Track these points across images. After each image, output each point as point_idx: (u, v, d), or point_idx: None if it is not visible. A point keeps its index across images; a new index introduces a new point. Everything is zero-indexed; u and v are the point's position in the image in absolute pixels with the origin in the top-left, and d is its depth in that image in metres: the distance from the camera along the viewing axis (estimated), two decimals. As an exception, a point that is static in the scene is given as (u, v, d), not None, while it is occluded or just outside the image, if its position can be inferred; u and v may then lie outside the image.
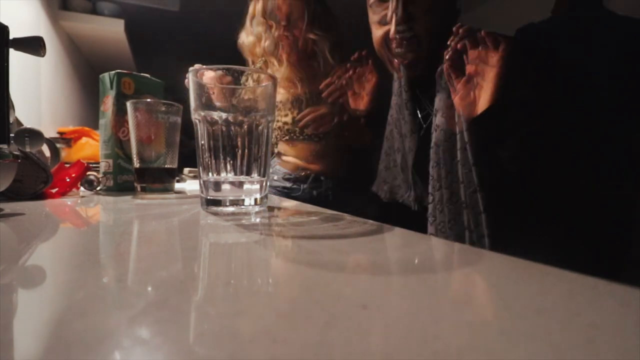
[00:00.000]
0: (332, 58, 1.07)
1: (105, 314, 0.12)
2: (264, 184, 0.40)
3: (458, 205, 0.61)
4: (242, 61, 1.28)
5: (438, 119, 0.63)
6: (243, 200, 0.38)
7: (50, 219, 0.36)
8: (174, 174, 0.60)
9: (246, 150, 0.38)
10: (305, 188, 1.09)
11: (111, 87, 0.63)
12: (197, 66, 0.45)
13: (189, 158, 0.80)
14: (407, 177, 0.73)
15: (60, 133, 1.16)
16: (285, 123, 1.09)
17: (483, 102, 0.54)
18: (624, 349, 0.10)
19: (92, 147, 1.12)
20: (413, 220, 0.74)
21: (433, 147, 0.64)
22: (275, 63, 1.09)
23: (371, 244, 0.24)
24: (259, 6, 1.07)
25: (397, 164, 0.76)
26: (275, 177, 1.10)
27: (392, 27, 0.64)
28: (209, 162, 0.38)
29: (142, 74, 0.67)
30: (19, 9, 1.21)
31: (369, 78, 0.85)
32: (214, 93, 0.37)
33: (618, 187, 0.60)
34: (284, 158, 1.11)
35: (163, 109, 0.56)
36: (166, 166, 0.57)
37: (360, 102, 0.88)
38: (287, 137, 1.09)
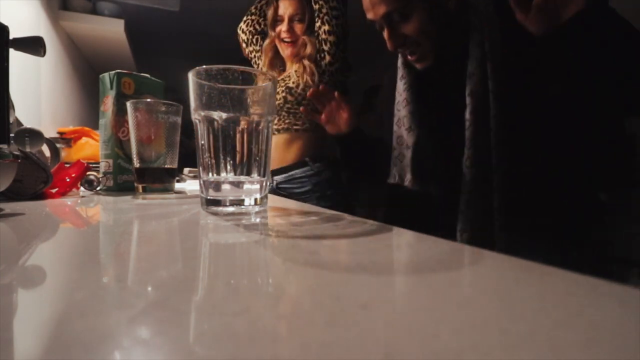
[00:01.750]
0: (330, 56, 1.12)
1: (105, 314, 0.12)
2: (264, 184, 0.40)
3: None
4: (242, 61, 1.30)
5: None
6: (243, 200, 0.38)
7: (50, 219, 0.36)
8: (174, 174, 0.60)
9: (246, 150, 0.38)
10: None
11: (111, 87, 0.63)
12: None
13: (189, 158, 0.80)
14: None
15: (60, 133, 1.16)
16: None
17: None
18: (624, 349, 0.10)
19: (92, 147, 1.12)
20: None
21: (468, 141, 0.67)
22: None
23: (371, 244, 0.24)
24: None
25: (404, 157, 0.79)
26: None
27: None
28: (209, 162, 0.38)
29: (142, 74, 0.67)
30: (19, 9, 1.21)
31: (342, 114, 0.86)
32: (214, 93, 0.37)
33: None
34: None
35: (163, 109, 0.56)
36: (166, 166, 0.57)
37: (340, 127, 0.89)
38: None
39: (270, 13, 1.16)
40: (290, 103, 1.13)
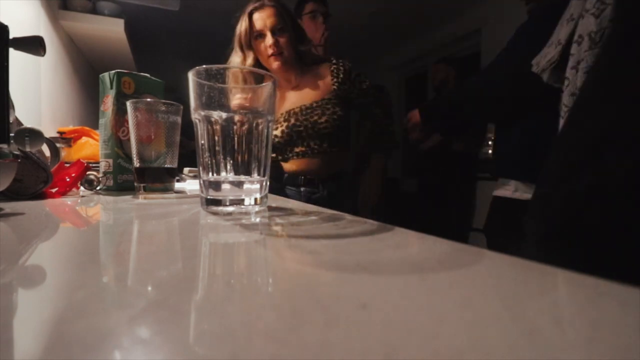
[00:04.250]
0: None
1: (105, 314, 0.12)
2: (264, 183, 0.40)
3: None
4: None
5: None
6: (243, 200, 0.38)
7: (50, 219, 0.36)
8: (174, 174, 0.60)
9: (246, 150, 0.38)
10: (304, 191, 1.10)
11: (111, 87, 0.63)
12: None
13: (189, 158, 0.80)
14: None
15: (60, 133, 1.16)
16: (275, 136, 1.07)
17: None
18: (624, 349, 0.10)
19: (92, 146, 1.12)
20: None
21: None
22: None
23: (371, 243, 0.24)
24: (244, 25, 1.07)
25: None
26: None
27: None
28: (209, 162, 0.38)
29: (142, 74, 0.67)
30: (19, 9, 1.21)
31: None
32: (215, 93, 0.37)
33: None
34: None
35: (163, 108, 0.56)
36: (166, 166, 0.57)
37: None
38: (274, 155, 1.09)
39: (243, 29, 1.05)
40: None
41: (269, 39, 1.03)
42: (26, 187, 0.47)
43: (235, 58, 1.08)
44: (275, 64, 1.05)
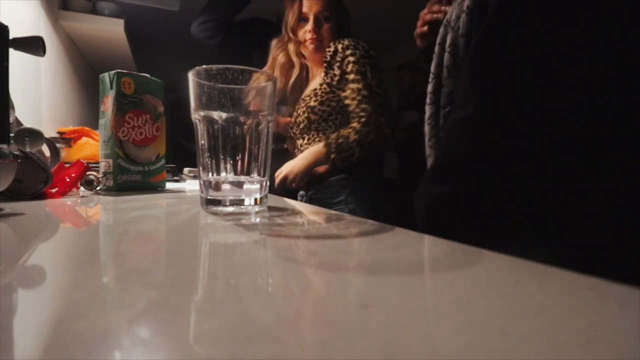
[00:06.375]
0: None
1: (105, 314, 0.12)
2: (264, 184, 0.40)
3: None
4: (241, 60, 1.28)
5: None
6: (243, 200, 0.38)
7: (50, 219, 0.36)
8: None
9: (246, 150, 0.38)
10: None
11: (111, 87, 0.63)
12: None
13: (190, 158, 0.80)
14: None
15: (60, 133, 1.16)
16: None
17: None
18: (624, 349, 0.10)
19: (92, 147, 1.12)
20: None
21: None
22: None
23: (371, 244, 0.24)
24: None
25: None
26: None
27: None
28: (209, 162, 0.38)
29: (142, 74, 0.67)
30: (19, 9, 1.21)
31: None
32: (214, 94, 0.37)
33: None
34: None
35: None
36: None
37: None
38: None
39: (292, 14, 1.04)
40: (316, 122, 1.02)
41: (310, 24, 1.02)
42: (26, 187, 0.47)
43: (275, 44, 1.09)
44: (310, 47, 1.05)
